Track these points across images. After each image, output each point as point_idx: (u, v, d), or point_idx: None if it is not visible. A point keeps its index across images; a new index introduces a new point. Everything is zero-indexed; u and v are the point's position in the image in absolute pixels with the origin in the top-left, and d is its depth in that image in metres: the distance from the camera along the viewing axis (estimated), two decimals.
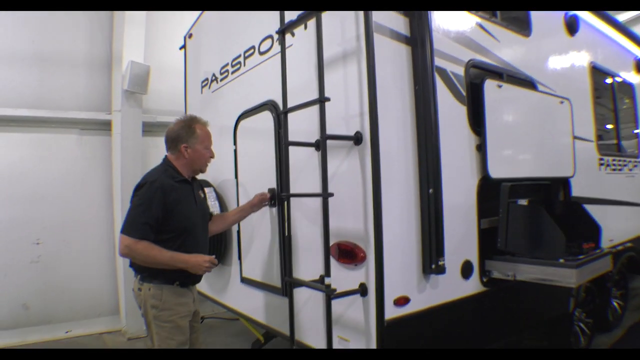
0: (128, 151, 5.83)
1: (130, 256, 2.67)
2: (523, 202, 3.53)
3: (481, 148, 3.26)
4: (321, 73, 2.58)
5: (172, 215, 2.71)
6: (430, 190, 2.74)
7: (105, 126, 6.24)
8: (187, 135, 2.89)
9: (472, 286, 3.19)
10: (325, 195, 2.48)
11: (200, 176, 3.19)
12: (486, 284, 3.27)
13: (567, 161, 4.18)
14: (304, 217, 3.10)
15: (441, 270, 2.76)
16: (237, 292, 4.15)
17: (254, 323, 4.10)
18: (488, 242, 3.29)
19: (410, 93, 2.82)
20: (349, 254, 2.71)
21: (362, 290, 2.63)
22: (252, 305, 3.94)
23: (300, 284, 2.77)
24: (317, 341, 3.00)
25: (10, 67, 5.94)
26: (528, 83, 4.01)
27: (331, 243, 2.84)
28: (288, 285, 2.81)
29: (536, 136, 3.89)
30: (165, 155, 2.97)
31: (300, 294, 3.09)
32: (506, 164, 3.45)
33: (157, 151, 5.93)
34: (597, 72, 5.23)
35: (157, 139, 6.10)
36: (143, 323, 5.85)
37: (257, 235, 4.26)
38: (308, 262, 3.08)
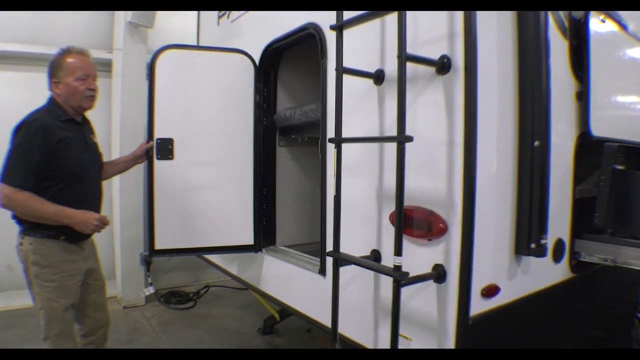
0: (129, 94, 5.10)
1: (10, 207, 2.38)
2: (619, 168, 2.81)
3: (582, 96, 2.51)
4: None
5: (57, 159, 2.42)
6: (536, 143, 2.01)
7: (105, 67, 5.47)
8: (56, 68, 2.56)
9: (561, 272, 2.49)
10: (402, 139, 1.74)
11: None
12: (574, 268, 2.58)
13: None
14: (348, 171, 2.38)
15: (542, 251, 2.06)
16: (253, 263, 3.47)
17: (273, 302, 3.44)
18: (577, 217, 2.59)
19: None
20: (420, 223, 2.00)
21: (438, 274, 1.93)
22: (274, 281, 3.27)
23: (353, 262, 2.08)
24: (363, 336, 2.34)
25: None
26: (621, 26, 3.24)
27: (392, 208, 2.15)
28: (334, 262, 2.11)
29: (632, 90, 3.15)
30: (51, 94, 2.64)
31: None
32: (608, 120, 2.71)
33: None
34: None
35: None
36: (141, 290, 5.38)
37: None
38: (352, 231, 2.38)
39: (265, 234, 3.43)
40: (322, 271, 2.67)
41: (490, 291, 1.96)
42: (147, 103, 3.06)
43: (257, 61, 3.26)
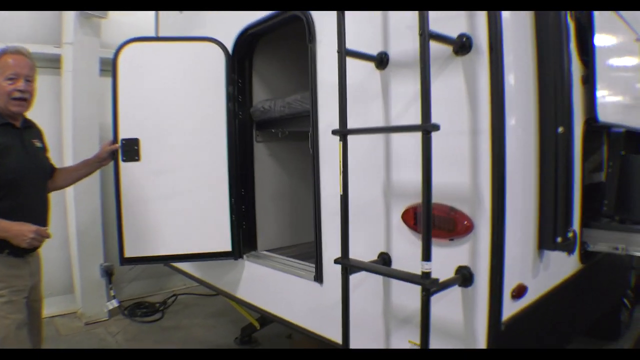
0: (82, 92, 4.62)
1: None
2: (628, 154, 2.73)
3: (588, 80, 2.39)
4: None
5: None
6: (560, 130, 1.85)
7: (53, 63, 4.92)
8: None
9: (573, 263, 2.37)
10: (428, 127, 1.52)
11: None
12: (583, 259, 2.47)
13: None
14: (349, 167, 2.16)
15: (568, 245, 1.91)
16: (232, 270, 3.18)
17: (255, 311, 3.18)
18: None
19: None
20: (439, 222, 1.80)
21: (464, 277, 1.74)
22: (258, 290, 3.01)
23: (366, 269, 1.85)
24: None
25: None
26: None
27: (403, 206, 1.94)
28: (343, 270, 1.87)
29: (624, 76, 3.09)
30: None
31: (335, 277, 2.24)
32: (611, 106, 2.62)
33: None
34: None
35: None
36: (103, 304, 4.95)
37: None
38: (355, 233, 2.14)
39: (245, 238, 3.15)
40: (319, 278, 2.43)
41: (519, 292, 1.79)
42: (111, 101, 2.84)
43: (229, 49, 2.97)
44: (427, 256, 1.53)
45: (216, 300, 5.30)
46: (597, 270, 2.71)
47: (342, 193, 1.85)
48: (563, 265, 2.25)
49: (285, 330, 4.24)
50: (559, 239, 1.87)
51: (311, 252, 3.21)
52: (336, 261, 1.87)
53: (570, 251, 1.95)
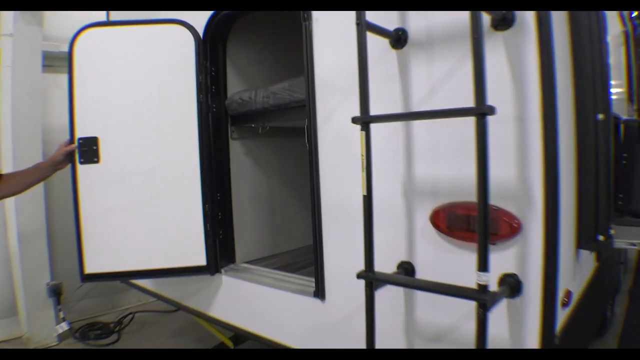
0: (22, 89, 4.10)
1: None
2: None
3: None
4: None
5: None
6: (600, 117, 1.67)
7: None
8: None
9: (591, 262, 2.22)
10: (484, 110, 1.28)
11: None
12: (597, 257, 2.33)
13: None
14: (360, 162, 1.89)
15: (609, 244, 1.73)
16: (208, 286, 2.83)
17: (233, 331, 2.85)
18: None
19: None
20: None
21: (512, 286, 1.51)
22: (241, 309, 2.67)
23: (395, 283, 1.59)
24: None
25: None
26: None
27: (431, 207, 1.70)
28: (367, 286, 1.59)
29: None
30: None
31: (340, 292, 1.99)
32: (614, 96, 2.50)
33: (60, 92, 4.25)
34: None
35: (61, 76, 4.40)
36: (52, 327, 4.43)
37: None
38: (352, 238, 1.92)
39: (222, 250, 2.80)
40: (320, 293, 2.14)
41: (567, 298, 1.59)
42: (67, 96, 2.56)
43: (200, 33, 2.63)
44: (483, 265, 1.28)
45: (177, 316, 4.88)
46: (605, 268, 2.59)
47: (365, 193, 1.57)
48: (587, 265, 2.09)
49: (257, 346, 3.92)
50: (601, 237, 1.68)
51: (297, 263, 2.96)
52: (359, 275, 1.59)
53: (610, 249, 1.78)
